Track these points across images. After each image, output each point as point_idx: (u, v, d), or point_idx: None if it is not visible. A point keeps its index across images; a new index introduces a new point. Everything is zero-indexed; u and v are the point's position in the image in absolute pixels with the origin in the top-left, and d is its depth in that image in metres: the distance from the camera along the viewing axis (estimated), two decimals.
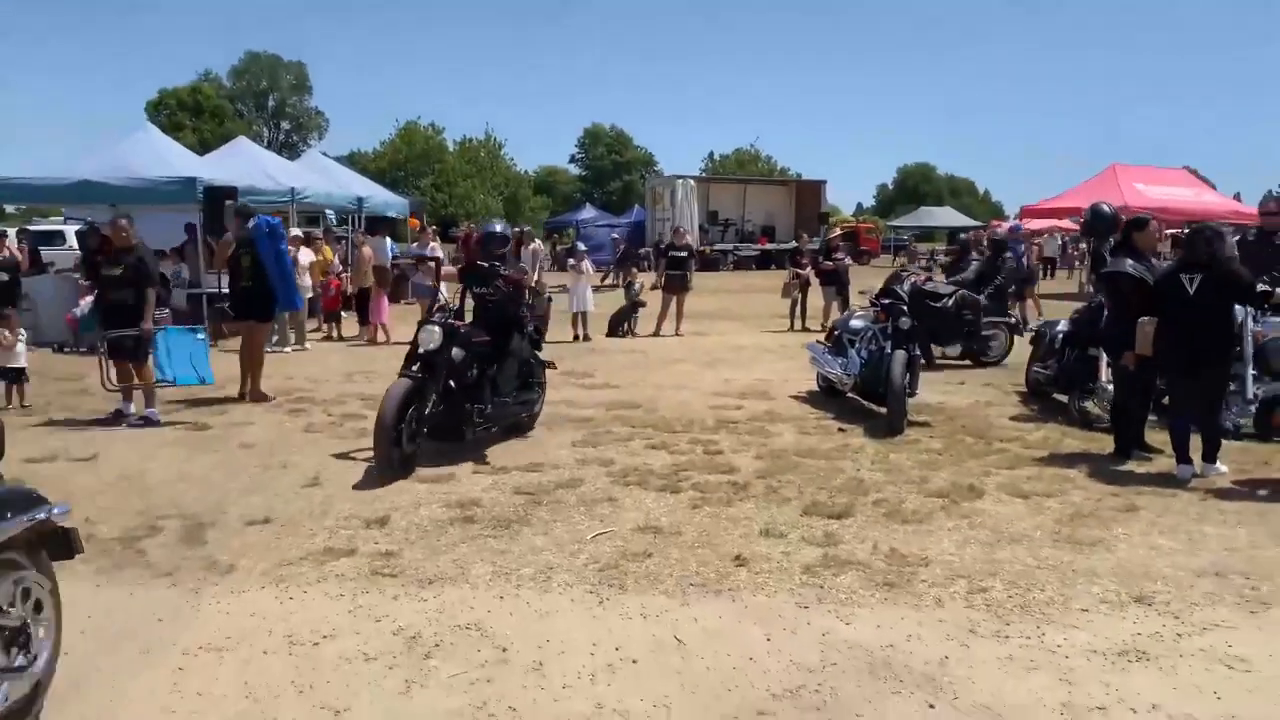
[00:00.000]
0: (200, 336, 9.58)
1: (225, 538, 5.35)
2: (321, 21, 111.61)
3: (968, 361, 11.89)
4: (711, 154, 77.14)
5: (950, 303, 8.47)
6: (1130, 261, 7.20)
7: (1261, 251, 8.47)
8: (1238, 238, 8.79)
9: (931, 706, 3.45)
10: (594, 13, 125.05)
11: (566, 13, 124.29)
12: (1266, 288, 6.49)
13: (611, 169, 76.86)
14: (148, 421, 8.44)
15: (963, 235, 14.72)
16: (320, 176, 19.65)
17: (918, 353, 8.46)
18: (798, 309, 16.41)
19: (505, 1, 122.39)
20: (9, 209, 27.97)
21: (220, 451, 7.50)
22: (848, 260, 16.79)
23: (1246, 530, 5.44)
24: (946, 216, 54.95)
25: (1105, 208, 9.02)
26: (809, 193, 43.61)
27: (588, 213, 46.90)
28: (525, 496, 6.14)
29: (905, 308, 8.44)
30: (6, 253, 13.03)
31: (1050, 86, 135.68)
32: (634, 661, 3.82)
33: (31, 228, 22.95)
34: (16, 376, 9.41)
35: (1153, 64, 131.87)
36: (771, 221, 40.73)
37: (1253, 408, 7.69)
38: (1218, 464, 6.64)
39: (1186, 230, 9.15)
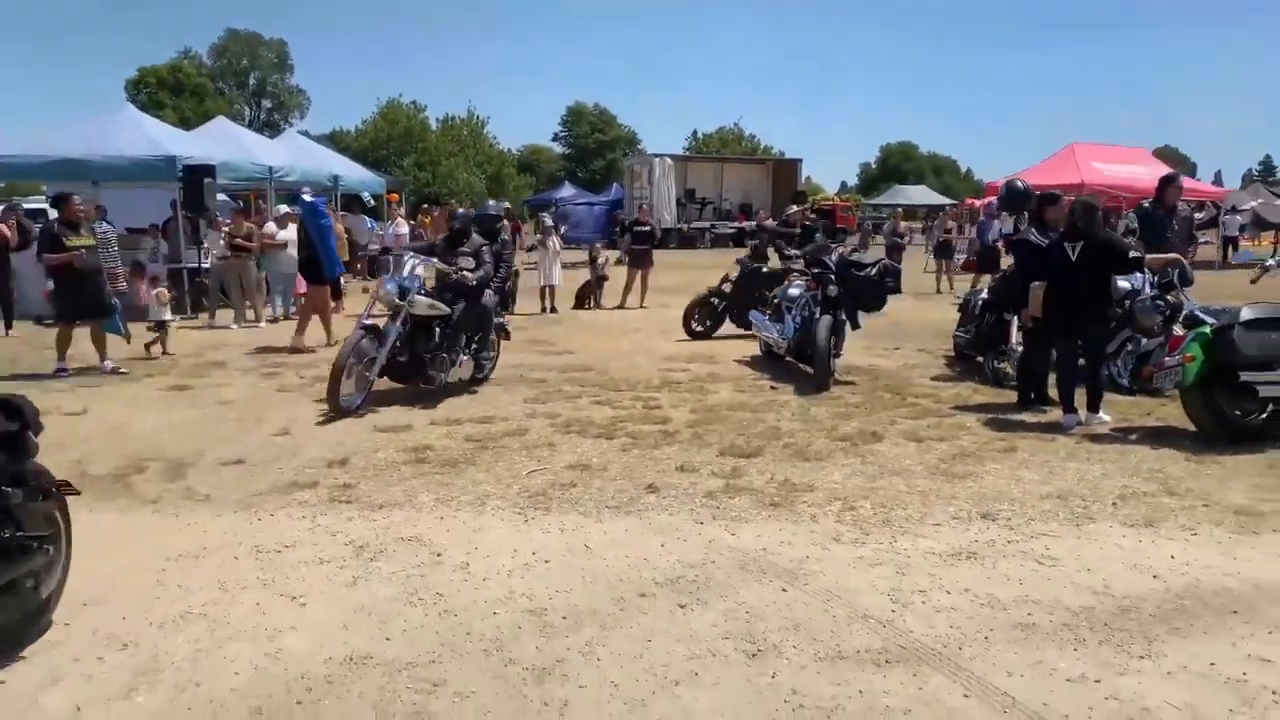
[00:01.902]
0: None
1: (203, 475, 6.07)
2: None
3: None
4: (695, 133, 77.74)
5: (874, 271, 9.18)
6: (1034, 232, 7.96)
7: (1158, 222, 9.21)
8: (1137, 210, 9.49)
9: (784, 590, 4.20)
10: None
11: None
12: (1138, 254, 7.23)
13: (595, 148, 77.21)
14: (116, 370, 9.71)
15: (460, 210, 12.08)
16: (298, 155, 20.22)
17: (843, 317, 9.20)
18: None
19: None
20: None
21: (200, 407, 8.20)
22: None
23: (1103, 466, 6.20)
24: (921, 195, 55.74)
25: (1019, 184, 9.76)
26: (785, 171, 44.41)
27: (566, 191, 47.47)
28: (474, 443, 6.85)
29: (833, 276, 9.16)
30: None
31: (1033, 65, 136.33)
32: (546, 562, 4.56)
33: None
34: None
35: (1143, 45, 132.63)
36: (749, 199, 41.43)
37: None
38: (1100, 413, 7.39)
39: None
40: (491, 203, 12.05)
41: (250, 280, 14.16)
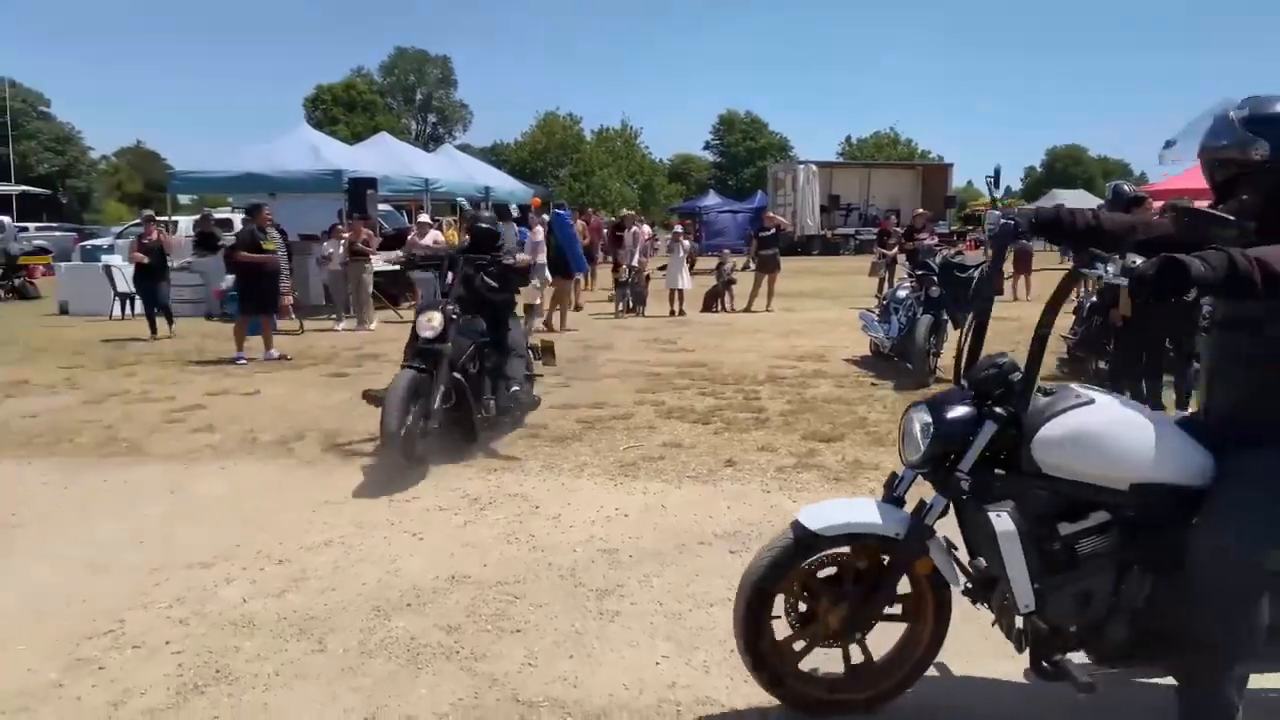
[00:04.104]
0: None
1: (351, 443, 7.10)
2: (465, 16, 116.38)
3: None
4: (848, 138, 77.38)
5: (975, 272, 9.53)
6: None
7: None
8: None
9: None
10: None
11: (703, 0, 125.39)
12: None
13: (745, 155, 77.67)
14: (283, 356, 11.12)
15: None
16: (452, 168, 21.74)
17: (944, 317, 9.59)
18: (884, 287, 17.39)
19: None
20: (182, 199, 31.35)
21: (354, 390, 9.30)
22: (930, 240, 17.66)
23: None
24: (1078, 199, 53.67)
25: (1125, 187, 9.88)
26: (935, 176, 43.89)
27: (711, 199, 48.31)
28: (584, 424, 7.66)
29: (935, 278, 9.57)
30: (155, 237, 13.71)
31: (1213, 62, 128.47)
32: (625, 516, 5.30)
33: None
34: None
35: None
36: (896, 205, 41.08)
37: None
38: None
39: None
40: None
41: (364, 285, 14.61)
